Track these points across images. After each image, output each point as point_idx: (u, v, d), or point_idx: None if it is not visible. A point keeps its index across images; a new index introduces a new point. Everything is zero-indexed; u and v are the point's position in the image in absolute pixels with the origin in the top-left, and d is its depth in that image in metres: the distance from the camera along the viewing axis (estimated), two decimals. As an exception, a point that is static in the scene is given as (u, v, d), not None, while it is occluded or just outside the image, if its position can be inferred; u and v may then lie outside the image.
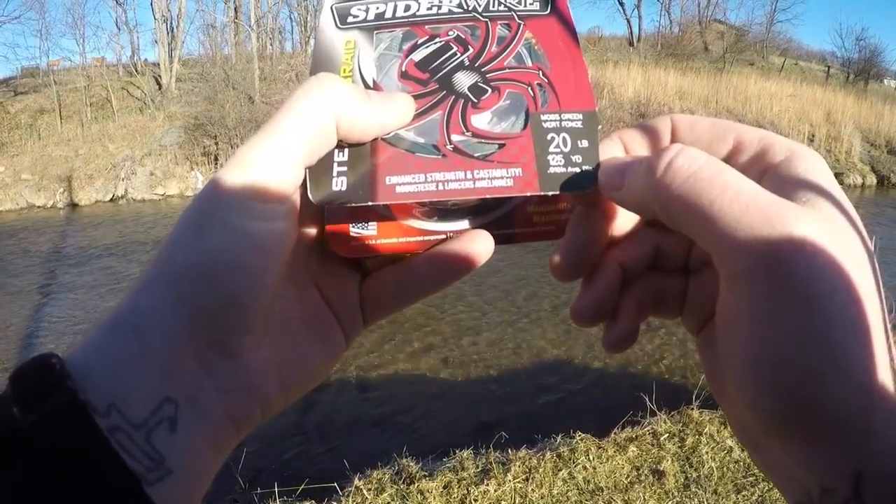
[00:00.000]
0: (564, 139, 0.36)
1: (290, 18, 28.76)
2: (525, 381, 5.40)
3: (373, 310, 0.41)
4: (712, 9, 31.09)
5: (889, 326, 0.30)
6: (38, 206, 13.32)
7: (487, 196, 0.35)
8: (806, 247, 0.28)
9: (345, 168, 0.35)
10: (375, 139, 0.35)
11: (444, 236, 0.40)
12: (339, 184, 0.34)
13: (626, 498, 3.06)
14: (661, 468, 3.24)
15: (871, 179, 15.93)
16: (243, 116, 14.63)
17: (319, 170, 0.34)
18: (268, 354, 0.34)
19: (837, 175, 15.63)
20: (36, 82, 18.51)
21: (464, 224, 0.40)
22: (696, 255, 0.39)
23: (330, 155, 0.35)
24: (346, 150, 0.35)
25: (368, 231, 0.39)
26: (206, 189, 0.32)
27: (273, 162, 0.32)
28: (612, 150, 0.37)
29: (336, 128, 0.33)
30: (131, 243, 10.43)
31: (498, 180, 0.35)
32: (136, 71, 19.91)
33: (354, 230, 0.39)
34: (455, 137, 0.36)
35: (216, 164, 14.62)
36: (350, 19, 0.40)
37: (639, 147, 0.37)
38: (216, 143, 14.60)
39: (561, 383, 5.37)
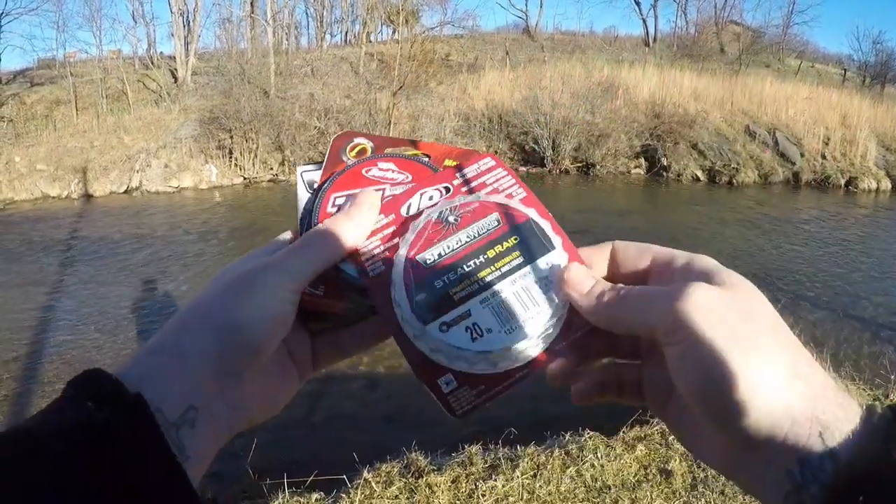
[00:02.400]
0: None
1: (306, 13, 28.89)
2: (534, 377, 5.41)
3: (319, 361, 0.55)
4: (729, 10, 31.01)
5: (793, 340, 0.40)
6: (53, 197, 13.44)
7: None
8: (691, 309, 0.39)
9: None
10: None
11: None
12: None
13: (633, 496, 3.07)
14: (669, 467, 3.25)
15: (886, 184, 15.80)
16: (258, 111, 14.69)
17: None
18: (258, 387, 0.47)
19: (852, 180, 15.56)
20: (52, 74, 18.65)
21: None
22: (644, 343, 0.49)
23: None
24: None
25: (318, 292, 0.51)
26: (252, 263, 0.47)
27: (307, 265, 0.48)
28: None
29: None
30: (145, 235, 10.51)
31: None
32: (153, 64, 20.02)
33: (309, 289, 0.49)
34: None
35: (231, 157, 14.70)
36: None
37: (595, 262, 0.51)
38: (231, 137, 14.67)
39: (570, 382, 5.37)
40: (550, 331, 0.49)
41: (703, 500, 3.03)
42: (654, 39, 28.80)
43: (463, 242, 0.51)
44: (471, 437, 3.59)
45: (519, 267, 0.49)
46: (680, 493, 3.09)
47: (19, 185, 13.39)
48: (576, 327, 0.49)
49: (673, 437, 3.47)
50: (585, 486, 3.14)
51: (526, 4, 31.24)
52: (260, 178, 14.80)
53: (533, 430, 3.72)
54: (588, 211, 11.84)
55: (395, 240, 0.52)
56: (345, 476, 3.21)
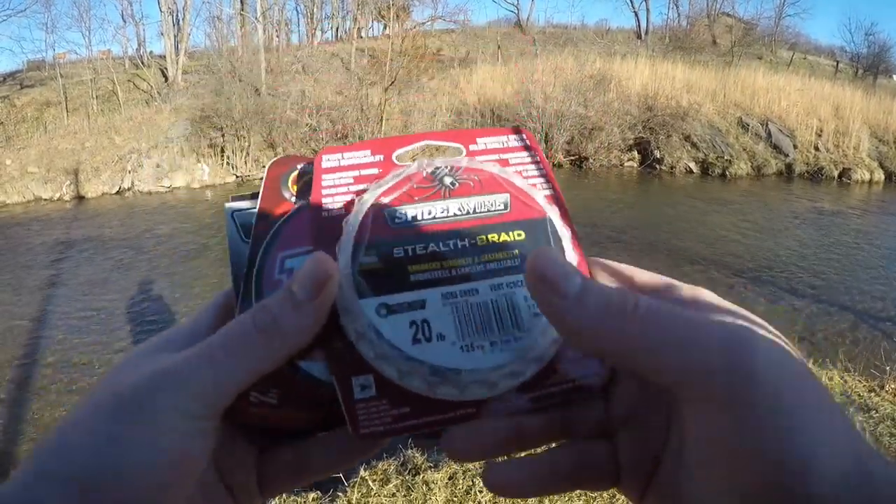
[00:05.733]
0: None
1: (297, 10, 28.85)
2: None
3: (269, 485, 0.40)
4: (721, 2, 30.96)
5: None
6: (45, 199, 13.35)
7: None
8: (761, 363, 0.28)
9: None
10: None
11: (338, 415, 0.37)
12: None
13: (630, 491, 3.07)
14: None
15: (879, 175, 15.84)
16: (250, 108, 14.63)
17: None
18: None
19: (845, 171, 15.59)
20: (42, 75, 18.58)
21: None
22: (615, 414, 0.38)
23: None
24: None
25: (268, 398, 0.37)
26: (144, 369, 0.33)
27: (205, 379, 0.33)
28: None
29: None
30: (138, 236, 10.46)
31: None
32: (143, 63, 19.95)
33: (254, 396, 0.37)
34: None
35: (222, 156, 14.65)
36: None
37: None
38: (222, 136, 14.62)
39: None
40: (523, 370, 0.36)
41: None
42: (646, 32, 28.81)
43: (451, 214, 0.38)
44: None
45: (512, 271, 0.37)
46: (677, 487, 3.09)
47: (11, 188, 13.30)
48: (558, 379, 0.37)
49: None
50: (583, 481, 3.14)
51: (517, -2, 31.12)
52: (252, 176, 14.74)
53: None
54: (582, 204, 11.83)
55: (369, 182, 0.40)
56: (341, 474, 3.20)
